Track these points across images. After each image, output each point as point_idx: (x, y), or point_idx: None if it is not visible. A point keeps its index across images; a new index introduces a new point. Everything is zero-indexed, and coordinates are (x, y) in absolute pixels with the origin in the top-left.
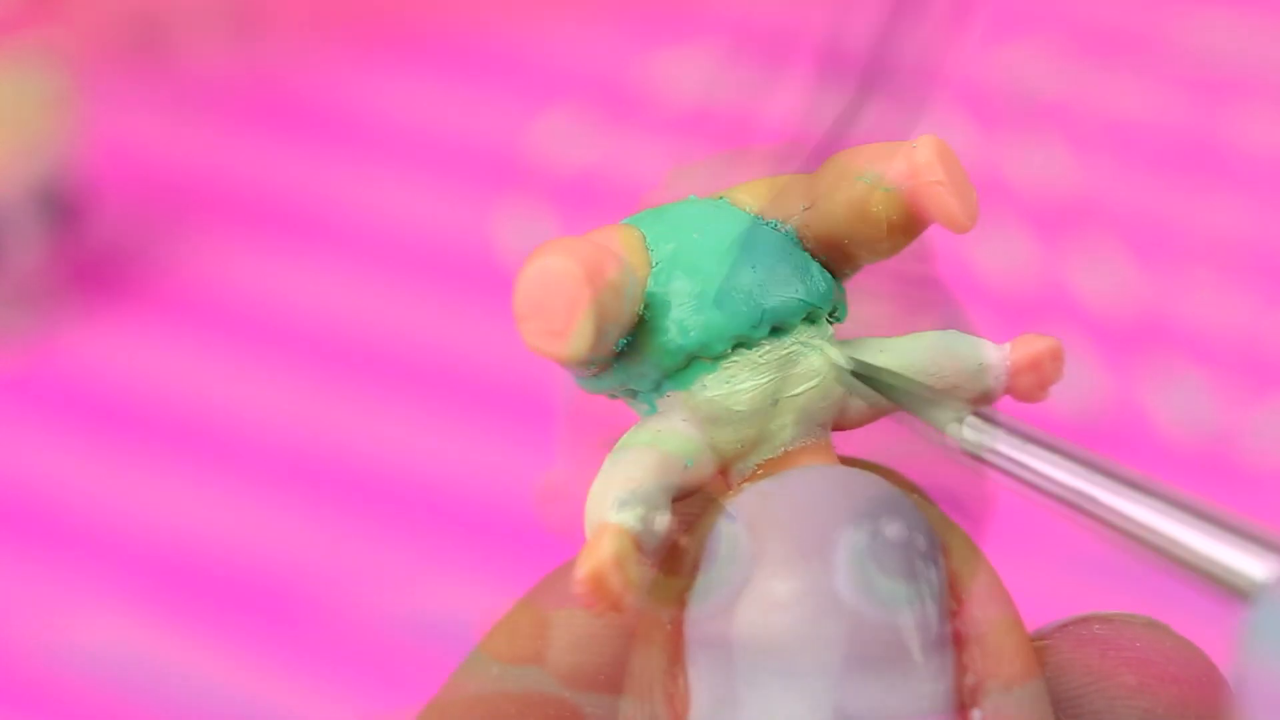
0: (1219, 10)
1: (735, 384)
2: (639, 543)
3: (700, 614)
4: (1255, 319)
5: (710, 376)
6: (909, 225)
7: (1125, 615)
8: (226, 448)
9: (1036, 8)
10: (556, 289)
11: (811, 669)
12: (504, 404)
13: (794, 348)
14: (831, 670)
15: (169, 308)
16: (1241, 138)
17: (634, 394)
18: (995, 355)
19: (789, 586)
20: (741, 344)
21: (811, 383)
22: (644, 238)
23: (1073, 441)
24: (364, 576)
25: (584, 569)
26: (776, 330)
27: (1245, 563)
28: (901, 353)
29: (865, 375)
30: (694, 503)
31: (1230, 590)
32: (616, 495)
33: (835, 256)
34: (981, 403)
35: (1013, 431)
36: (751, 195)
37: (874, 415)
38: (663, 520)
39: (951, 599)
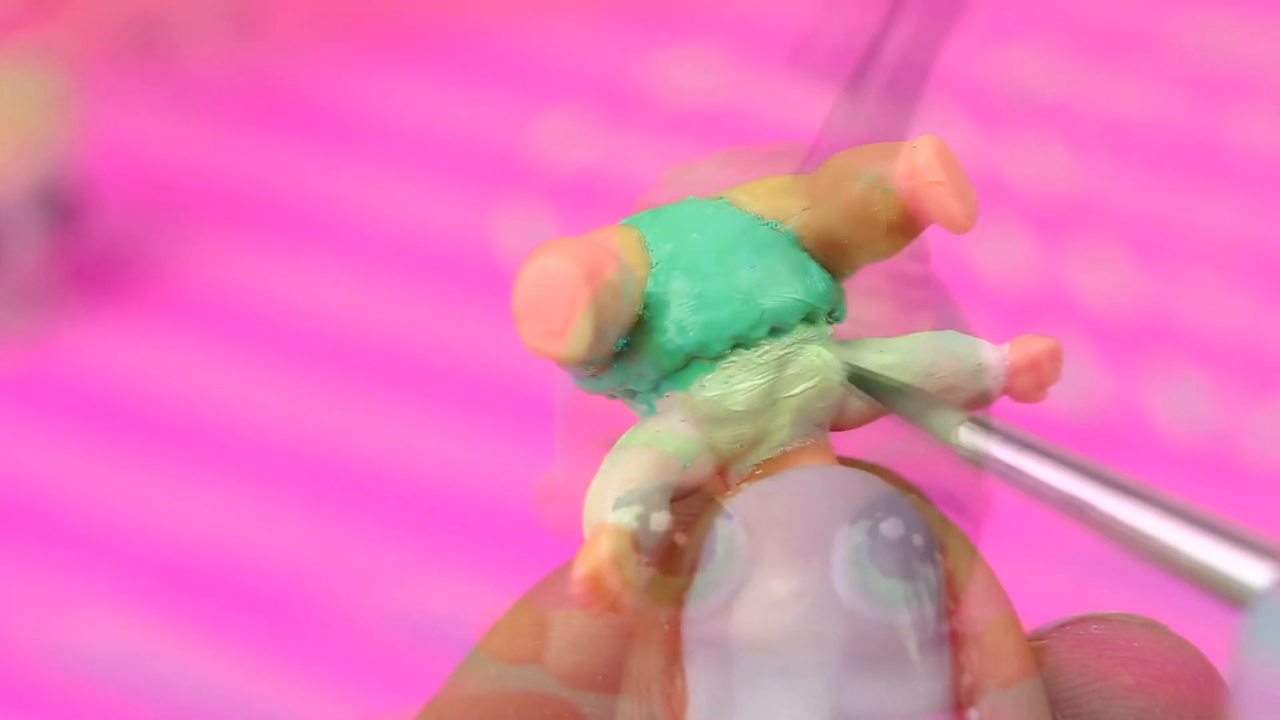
0: (1219, 10)
1: (734, 384)
2: (637, 542)
3: (698, 613)
4: (1255, 319)
5: (709, 377)
6: (908, 225)
7: (1122, 615)
8: (226, 447)
9: (1036, 8)
10: (555, 289)
11: (809, 668)
12: (503, 403)
13: (792, 348)
14: (829, 669)
15: (169, 308)
16: (1241, 138)
17: (632, 394)
18: (993, 356)
19: (787, 586)
20: (740, 344)
21: (810, 383)
22: (642, 238)
23: (1070, 446)
24: (363, 576)
25: (582, 569)
26: (775, 330)
27: (1242, 569)
28: (900, 353)
29: (862, 380)
30: (692, 502)
31: (1227, 596)
32: (615, 495)
33: (834, 257)
34: (980, 403)
35: (1009, 437)
36: (750, 195)
37: (872, 415)
38: (661, 520)
39: (949, 598)
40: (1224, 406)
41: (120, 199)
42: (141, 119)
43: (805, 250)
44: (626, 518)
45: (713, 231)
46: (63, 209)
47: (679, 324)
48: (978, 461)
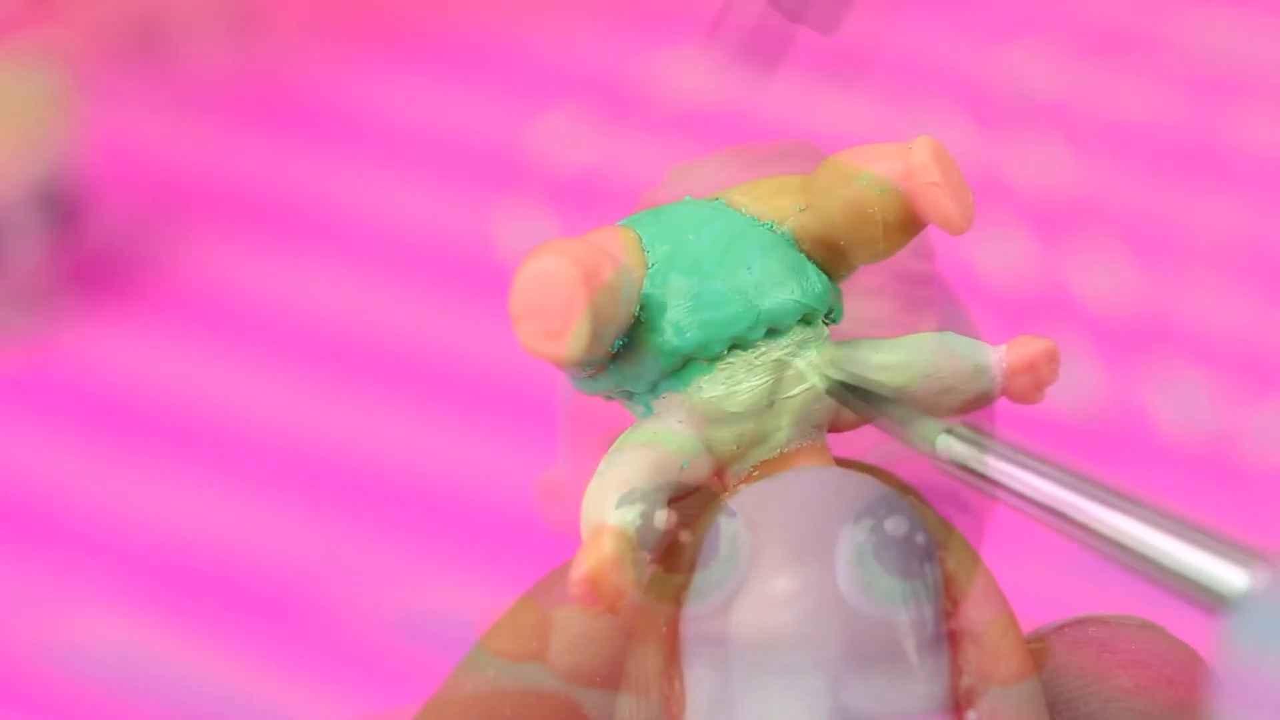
0: (1219, 10)
1: (731, 385)
2: (636, 543)
3: (698, 612)
4: (1255, 319)
5: (706, 378)
6: (905, 226)
7: (1121, 617)
8: (226, 447)
9: (1036, 8)
10: (552, 290)
11: (810, 667)
12: (504, 403)
13: (790, 349)
14: (829, 668)
15: (168, 308)
16: (1241, 138)
17: (630, 395)
18: (992, 357)
19: (786, 585)
20: (737, 345)
21: (807, 384)
22: (640, 239)
23: (1068, 446)
24: (363, 576)
25: (581, 569)
26: (772, 332)
27: (1223, 573)
28: (901, 353)
29: (842, 389)
30: (691, 503)
31: (1207, 600)
32: (613, 495)
33: (831, 258)
34: (978, 404)
35: (988, 446)
36: (748, 196)
37: (869, 418)
38: (660, 520)
39: (947, 599)
40: (1224, 406)
41: (120, 199)
42: (141, 119)
43: (802, 251)
44: (628, 517)
45: (710, 232)
46: (63, 209)
47: (676, 325)
48: (957, 470)
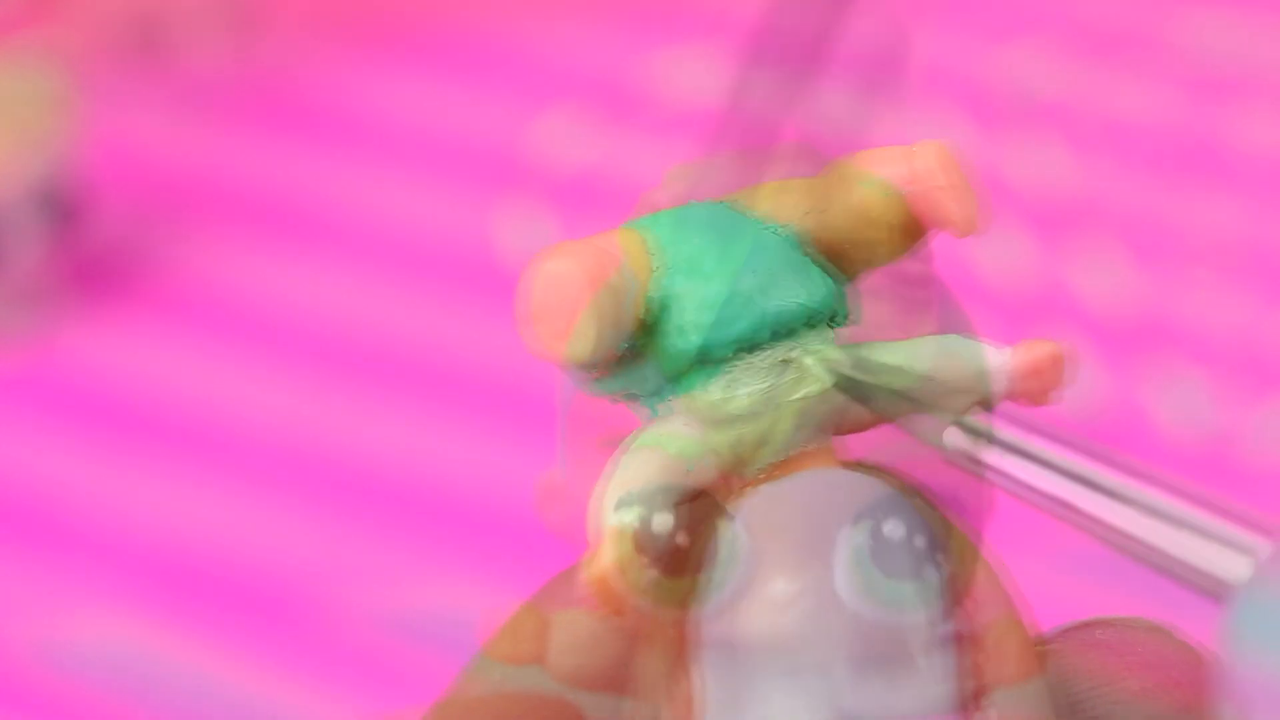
0: (1219, 10)
1: (738, 388)
2: (644, 545)
3: (705, 616)
4: (1255, 319)
5: (713, 380)
6: (912, 230)
7: (1130, 619)
8: (226, 447)
9: (1036, 8)
10: (560, 292)
11: (813, 669)
12: (503, 404)
13: (797, 352)
14: (834, 671)
15: (168, 308)
16: (1241, 138)
17: (637, 397)
18: (997, 360)
19: (792, 587)
20: (744, 348)
21: (814, 386)
22: (647, 241)
23: (1060, 444)
24: (364, 577)
25: (589, 572)
26: (779, 334)
27: (1228, 559)
28: (904, 356)
29: (851, 385)
30: (698, 505)
31: (1215, 587)
32: (621, 498)
33: (838, 260)
34: (985, 406)
35: (996, 439)
36: (755, 199)
37: (877, 420)
38: (665, 522)
39: (953, 600)
40: (1224, 406)
41: (120, 199)
42: (141, 119)
43: (810, 254)
44: (627, 519)
45: (717, 235)
46: (63, 209)
47: (683, 327)
48: (964, 461)
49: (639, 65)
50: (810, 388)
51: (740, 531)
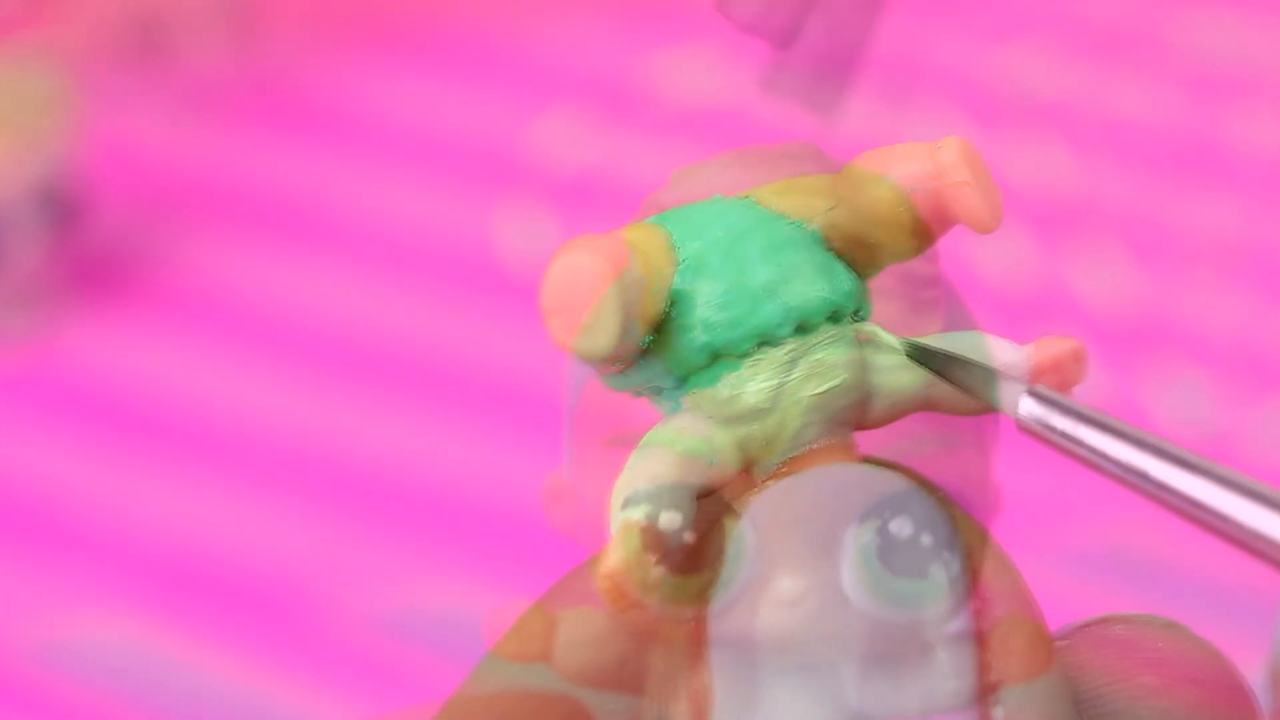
0: (1219, 10)
1: (758, 382)
2: (660, 541)
3: (720, 612)
4: (1255, 319)
5: (734, 375)
6: (933, 225)
7: (1145, 616)
8: (226, 447)
9: (1036, 8)
10: (582, 285)
11: (822, 667)
12: (503, 403)
13: (817, 347)
14: (842, 668)
15: (168, 307)
16: (1241, 138)
17: (658, 391)
18: (1016, 357)
19: (799, 585)
20: (765, 342)
21: (834, 381)
22: (669, 236)
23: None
24: (365, 576)
25: (605, 567)
26: (801, 329)
27: None
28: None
29: (921, 352)
30: (716, 501)
31: None
32: (629, 496)
33: (859, 256)
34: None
35: (1069, 409)
36: (776, 194)
37: (895, 414)
38: (679, 518)
39: (969, 596)
40: (1224, 406)
41: (120, 199)
42: (141, 119)
43: (830, 249)
44: (635, 516)
45: (739, 230)
46: (63, 209)
47: (705, 322)
48: (1040, 431)
49: (639, 65)
50: (832, 382)
51: (748, 529)
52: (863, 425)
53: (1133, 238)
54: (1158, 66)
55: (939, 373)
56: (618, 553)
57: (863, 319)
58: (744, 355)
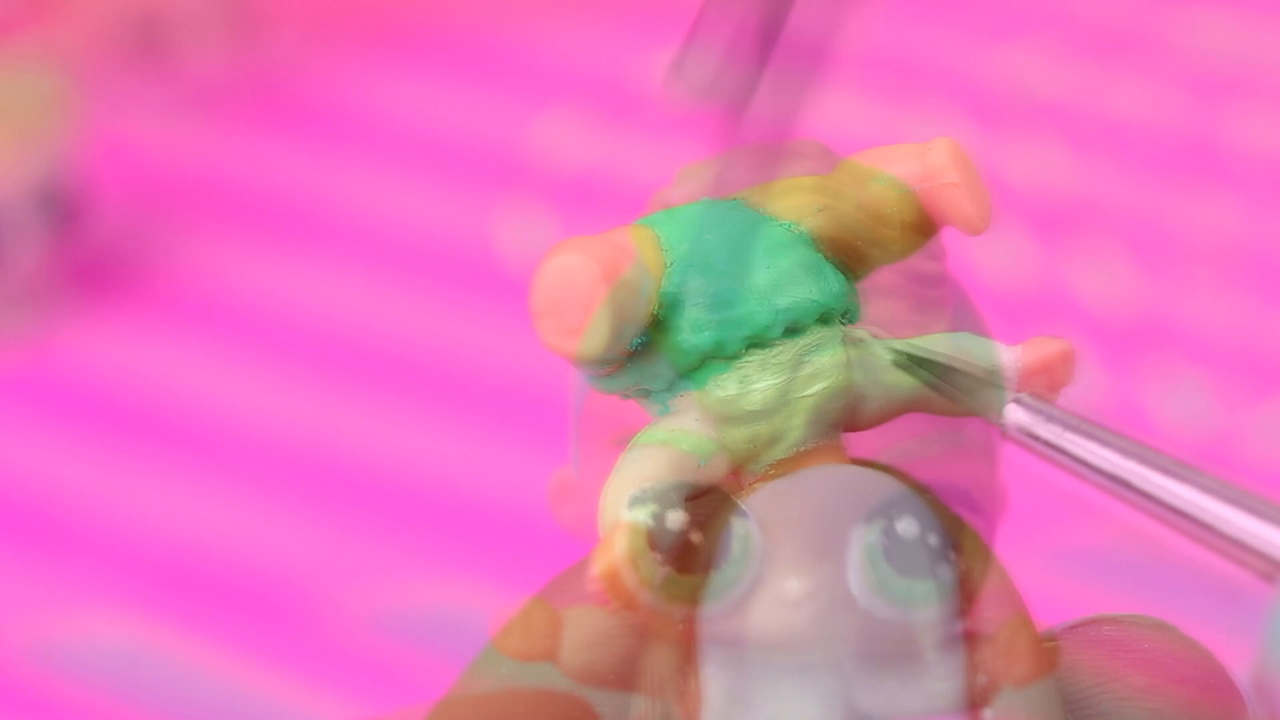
0: (1219, 10)
1: (749, 384)
2: (653, 541)
3: (714, 611)
4: (1255, 319)
5: (724, 376)
6: (923, 227)
7: (1134, 616)
8: (225, 447)
9: (1036, 8)
10: (573, 287)
11: (821, 667)
12: (502, 403)
13: (807, 348)
14: (841, 668)
15: (168, 307)
16: (1241, 138)
17: (648, 393)
18: (1007, 357)
19: (801, 585)
20: (755, 344)
21: (824, 383)
22: (659, 238)
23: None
24: (363, 576)
25: (599, 567)
26: (790, 331)
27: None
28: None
29: (909, 358)
30: (708, 501)
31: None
32: (630, 494)
33: (849, 258)
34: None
35: (1054, 416)
36: (766, 196)
37: (886, 416)
38: (676, 518)
39: (963, 598)
40: (1224, 406)
41: (120, 199)
42: (141, 119)
43: (820, 251)
44: (641, 515)
45: (729, 232)
46: (63, 209)
47: (695, 323)
48: (1024, 438)
49: (639, 65)
50: (822, 384)
51: (753, 528)
52: (853, 427)
53: (1133, 238)
54: (1158, 66)
55: (927, 380)
56: (624, 551)
57: (852, 320)
58: (734, 357)
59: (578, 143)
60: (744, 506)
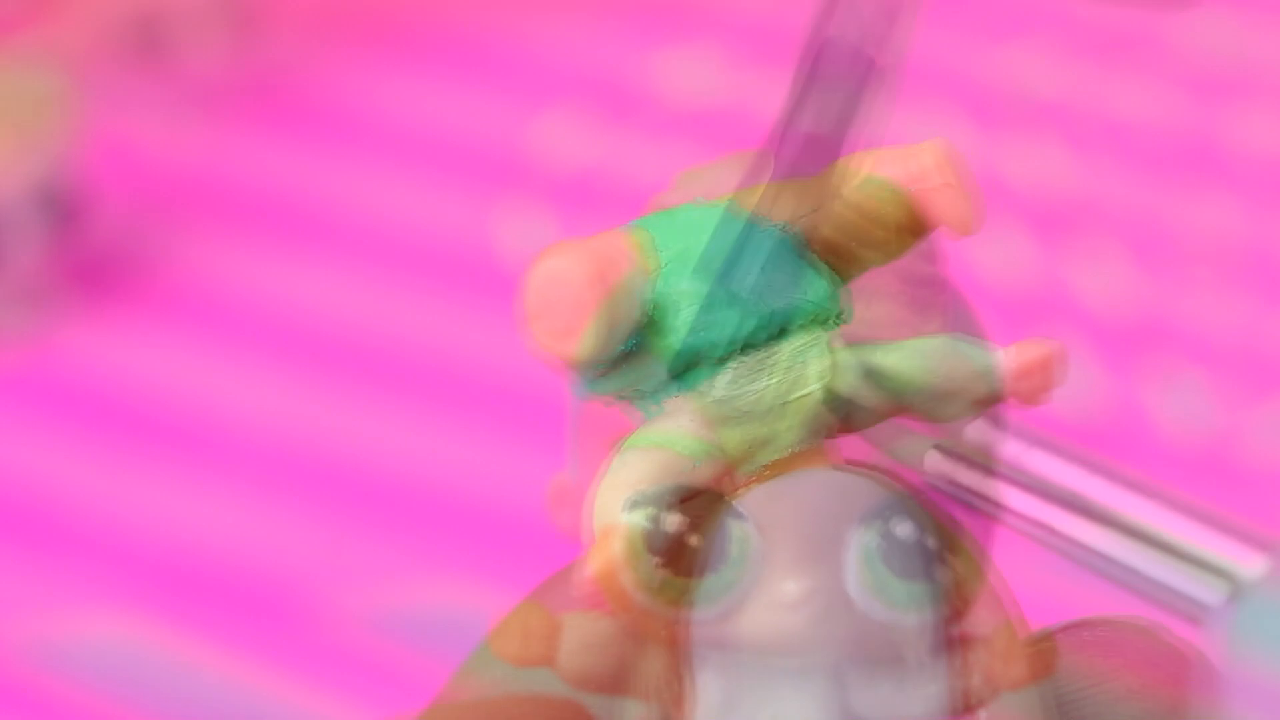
0: (1219, 10)
1: (740, 386)
2: (645, 543)
3: (707, 614)
4: (1255, 319)
5: (715, 379)
6: (913, 229)
7: (1124, 618)
8: (225, 447)
9: (1036, 8)
10: (564, 290)
11: (817, 670)
12: (501, 404)
13: (798, 350)
14: (837, 672)
15: (168, 307)
16: (1241, 138)
17: (638, 396)
18: (996, 360)
19: (799, 587)
20: (747, 346)
21: (816, 385)
22: (649, 240)
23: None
24: (363, 576)
25: (591, 569)
26: (781, 333)
27: (1208, 591)
28: (905, 356)
29: (842, 400)
30: (700, 504)
31: (1197, 613)
32: (622, 496)
33: (839, 260)
34: (982, 407)
35: (975, 463)
36: (753, 200)
37: (874, 419)
38: (669, 521)
39: (955, 603)
40: (1224, 406)
41: (120, 199)
42: (141, 119)
43: (811, 253)
44: (634, 519)
45: (716, 235)
46: (63, 209)
47: (684, 326)
48: (945, 485)
49: (639, 65)
50: (814, 386)
51: (750, 531)
52: (845, 430)
53: (1133, 238)
54: (1158, 66)
55: (848, 424)
56: (619, 554)
57: (845, 322)
58: (724, 359)
59: (578, 143)
60: (741, 508)
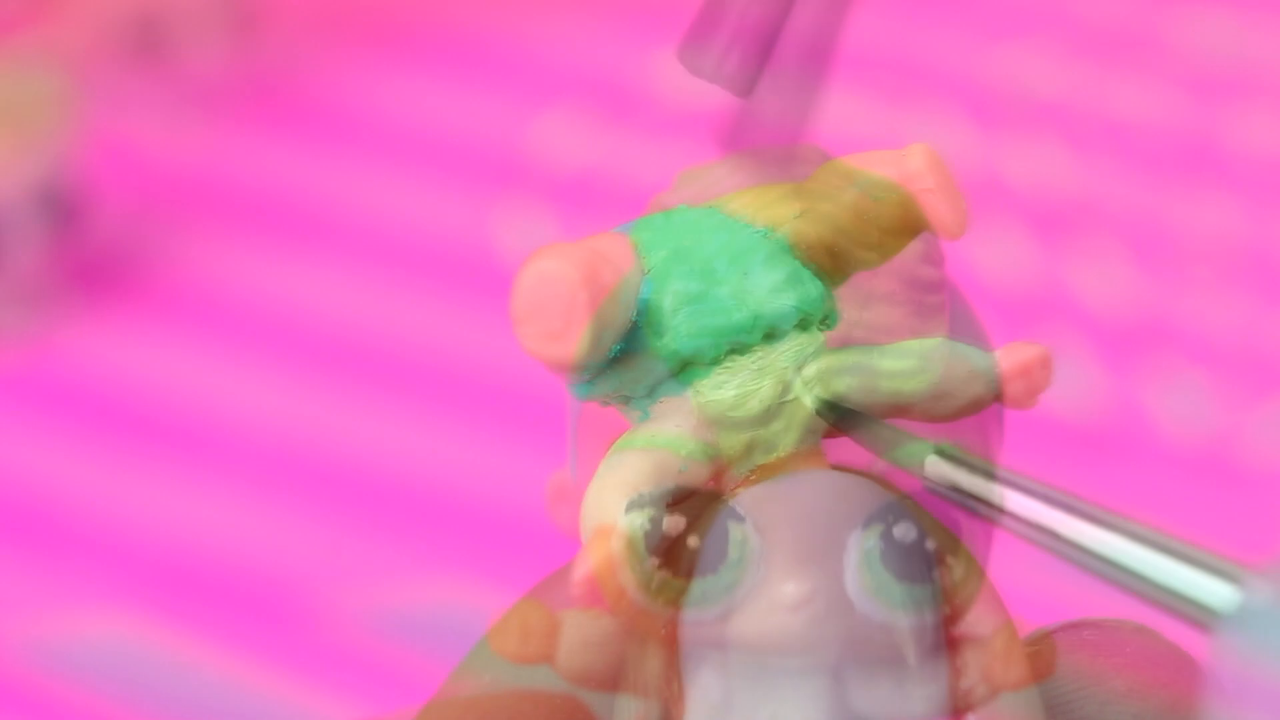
0: (1219, 10)
1: (728, 389)
2: (638, 544)
3: (701, 615)
4: (1255, 319)
5: (704, 382)
6: (900, 232)
7: (1117, 620)
8: (225, 446)
9: (1036, 8)
10: (554, 293)
11: (814, 670)
12: (499, 403)
13: (787, 354)
14: (834, 672)
15: (167, 307)
16: (1241, 138)
17: (628, 399)
18: (985, 363)
19: (799, 588)
20: (735, 350)
21: (808, 388)
22: (638, 244)
23: (1070, 447)
24: (362, 576)
25: (584, 569)
26: (769, 336)
27: (1211, 587)
28: (907, 360)
29: (832, 410)
30: (694, 505)
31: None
32: (614, 496)
33: (827, 263)
34: (974, 408)
35: (978, 466)
36: (743, 203)
37: (873, 420)
38: (660, 522)
39: (950, 605)
40: (1224, 406)
41: (120, 199)
42: (141, 119)
43: (799, 256)
44: (626, 520)
45: (707, 238)
46: (63, 209)
47: (674, 329)
48: (945, 490)
49: (639, 65)
50: (802, 389)
51: (749, 533)
52: (833, 433)
53: (1133, 238)
54: (1158, 66)
55: (847, 431)
56: (608, 554)
57: (830, 326)
58: (713, 363)
59: (577, 143)
60: (739, 510)
